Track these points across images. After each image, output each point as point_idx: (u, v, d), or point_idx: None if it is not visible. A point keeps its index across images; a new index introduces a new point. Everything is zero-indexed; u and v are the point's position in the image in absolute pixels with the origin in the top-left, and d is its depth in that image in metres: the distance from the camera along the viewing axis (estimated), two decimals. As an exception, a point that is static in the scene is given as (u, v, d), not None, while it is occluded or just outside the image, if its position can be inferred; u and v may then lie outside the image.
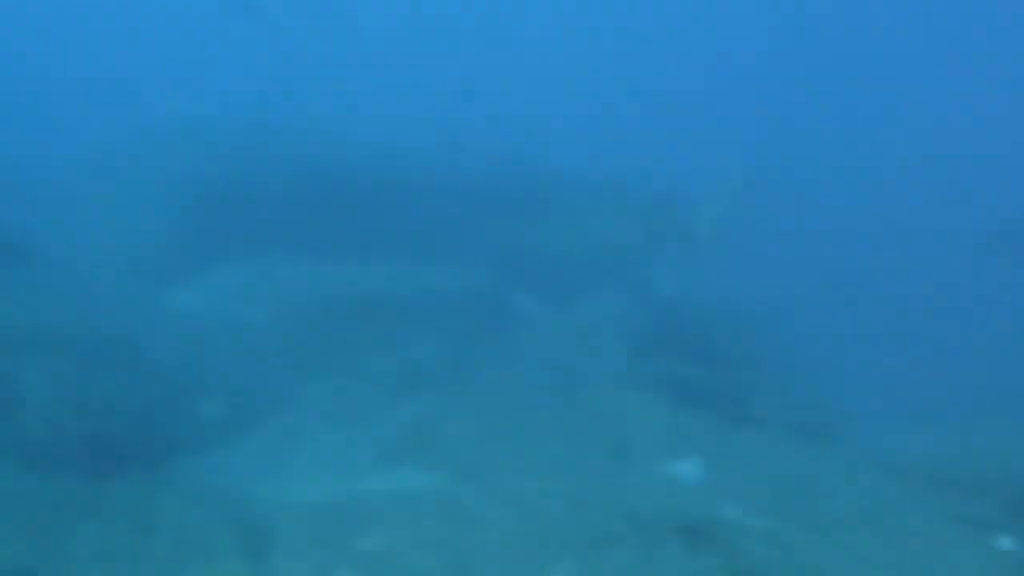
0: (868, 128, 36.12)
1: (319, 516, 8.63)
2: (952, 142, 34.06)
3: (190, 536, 7.97)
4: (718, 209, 20.47)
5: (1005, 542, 9.30)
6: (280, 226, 17.43)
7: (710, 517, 8.36)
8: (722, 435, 11.31)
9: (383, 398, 14.06)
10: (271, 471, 10.58)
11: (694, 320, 16.47)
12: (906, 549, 8.54)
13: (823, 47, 41.74)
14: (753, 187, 23.62)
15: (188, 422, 12.67)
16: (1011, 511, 10.21)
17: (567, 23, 43.51)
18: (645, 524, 8.11)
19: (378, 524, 8.35)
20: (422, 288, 15.72)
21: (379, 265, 16.44)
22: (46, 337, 11.85)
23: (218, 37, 35.88)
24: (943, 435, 15.53)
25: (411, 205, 18.00)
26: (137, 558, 7.61)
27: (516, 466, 10.12)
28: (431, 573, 7.46)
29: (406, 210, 17.84)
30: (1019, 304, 22.58)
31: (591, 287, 18.05)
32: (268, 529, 8.16)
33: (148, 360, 12.81)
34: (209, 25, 37.21)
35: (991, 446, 14.53)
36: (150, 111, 21.97)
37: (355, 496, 9.48)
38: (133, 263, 16.27)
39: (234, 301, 15.58)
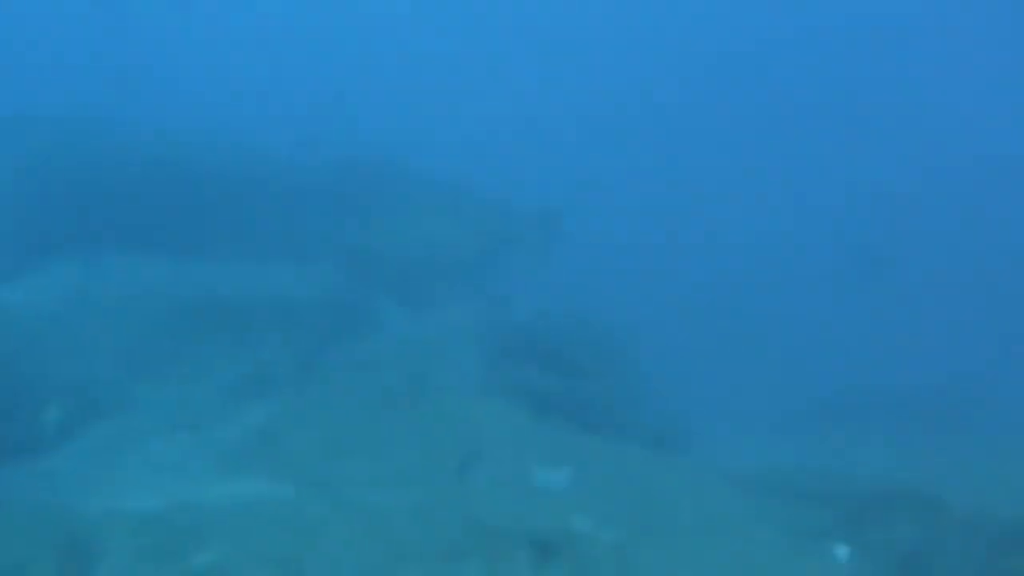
0: (727, 143, 37.19)
1: (150, 529, 8.12)
2: (820, 166, 35.41)
3: (4, 555, 7.36)
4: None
5: (842, 551, 9.57)
6: (122, 224, 16.59)
7: (560, 529, 8.28)
8: (574, 446, 11.28)
9: (227, 403, 13.46)
10: (101, 480, 9.96)
11: (548, 330, 16.45)
12: (749, 560, 8.66)
13: (702, 57, 42.68)
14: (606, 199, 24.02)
15: (13, 429, 11.86)
16: (849, 520, 10.54)
17: (438, 25, 43.21)
18: (494, 537, 7.96)
19: (214, 537, 7.91)
20: (271, 290, 15.19)
21: (226, 265, 15.84)
22: None
23: (66, 29, 34.10)
24: (787, 446, 16.03)
25: (261, 205, 17.43)
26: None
27: (363, 476, 9.82)
28: (268, 589, 7.09)
29: (256, 210, 17.26)
30: (862, 321, 23.58)
31: (445, 293, 17.86)
32: (93, 545, 7.62)
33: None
34: (59, 16, 35.40)
35: (832, 457, 15.09)
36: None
37: (191, 506, 8.98)
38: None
39: (68, 301, 14.69)
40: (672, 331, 21.29)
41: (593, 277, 22.67)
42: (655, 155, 34.47)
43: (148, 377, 13.63)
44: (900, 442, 16.02)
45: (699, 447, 15.00)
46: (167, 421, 12.77)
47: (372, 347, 14.95)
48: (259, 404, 13.24)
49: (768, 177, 34.03)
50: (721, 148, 36.79)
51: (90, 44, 32.73)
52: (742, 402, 19.20)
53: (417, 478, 9.82)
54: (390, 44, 40.70)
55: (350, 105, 28.51)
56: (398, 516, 8.60)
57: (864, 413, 17.96)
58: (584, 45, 42.65)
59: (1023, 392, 18.35)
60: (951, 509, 10.75)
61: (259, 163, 18.62)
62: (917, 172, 33.06)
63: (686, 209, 31.92)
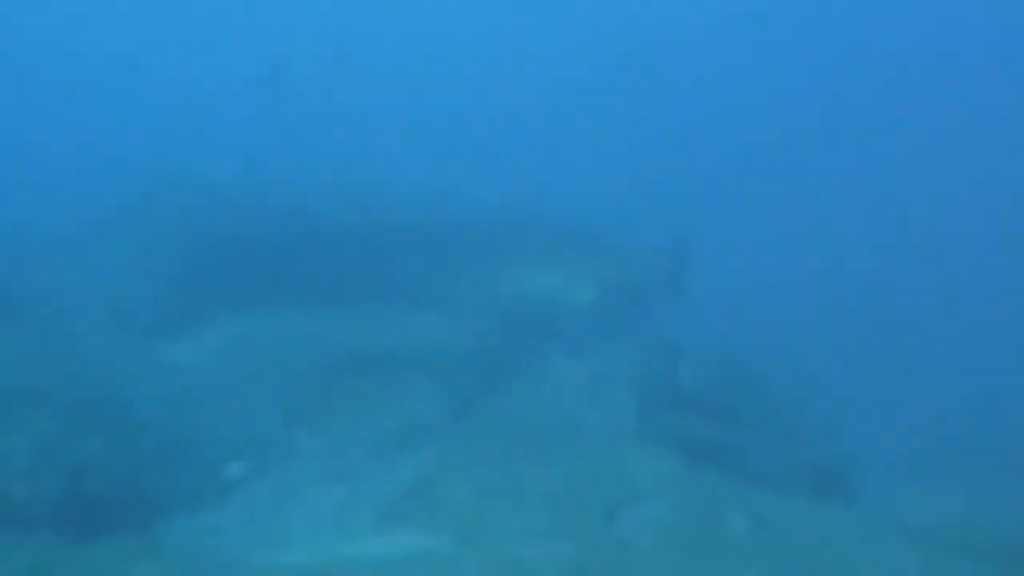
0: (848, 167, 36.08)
1: (310, 584, 8.12)
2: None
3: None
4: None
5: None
6: (272, 279, 17.07)
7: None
8: (733, 495, 10.83)
9: (380, 454, 13.55)
10: (261, 534, 10.09)
11: (702, 373, 15.98)
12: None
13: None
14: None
15: (176, 482, 12.19)
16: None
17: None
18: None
19: (373, 593, 7.83)
20: (418, 340, 15.30)
21: (374, 316, 16.06)
22: (31, 396, 11.41)
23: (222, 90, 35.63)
24: (958, 494, 15.06)
25: (407, 256, 17.65)
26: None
27: (518, 529, 9.64)
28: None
29: (402, 261, 17.50)
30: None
31: (597, 338, 17.63)
32: (253, 600, 7.65)
33: (136, 417, 12.34)
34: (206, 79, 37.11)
35: (1008, 507, 14.08)
36: (143, 169, 21.72)
37: (349, 560, 8.99)
38: (124, 318, 15.88)
39: (226, 355, 15.16)
40: (827, 370, 20.50)
41: (738, 315, 22.11)
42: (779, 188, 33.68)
43: (305, 430, 13.84)
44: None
45: (865, 496, 14.25)
46: (324, 473, 12.93)
47: (523, 395, 14.84)
48: (412, 455, 13.26)
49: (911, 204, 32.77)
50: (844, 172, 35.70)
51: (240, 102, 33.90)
52: (902, 444, 18.29)
53: (573, 531, 9.56)
54: (528, 93, 40.98)
55: (490, 154, 28.77)
56: (554, 573, 8.36)
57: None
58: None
59: None
60: None
61: (402, 214, 18.91)
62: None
63: (825, 239, 30.96)
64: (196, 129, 29.13)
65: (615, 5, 45.39)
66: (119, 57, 40.85)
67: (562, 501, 10.42)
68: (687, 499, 10.24)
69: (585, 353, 16.91)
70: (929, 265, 29.08)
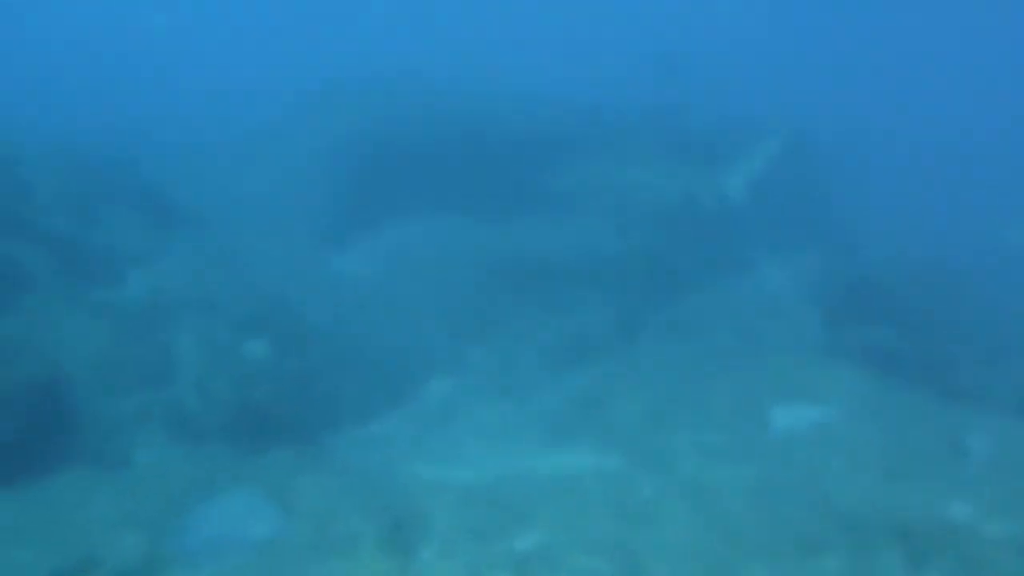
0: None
1: (476, 503, 7.77)
2: None
3: (333, 524, 7.26)
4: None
5: None
6: (436, 188, 16.69)
7: (937, 519, 7.01)
8: (931, 415, 9.83)
9: (548, 367, 13.13)
10: (426, 448, 9.84)
11: (894, 280, 14.67)
12: None
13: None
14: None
15: (343, 392, 12.12)
16: None
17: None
18: (854, 526, 6.86)
19: (540, 515, 7.41)
20: (588, 249, 14.62)
21: (542, 225, 15.42)
22: (203, 302, 11.45)
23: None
24: None
25: (572, 161, 16.85)
26: (274, 548, 6.95)
27: (695, 449, 9.00)
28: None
29: (567, 166, 16.71)
30: None
31: (776, 245, 16.55)
32: (418, 519, 7.35)
33: (305, 327, 12.28)
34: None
35: None
36: (302, 76, 21.58)
37: (517, 479, 8.59)
38: (293, 226, 15.85)
39: (394, 264, 14.96)
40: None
41: (931, 218, 20.41)
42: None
43: (471, 341, 13.55)
44: None
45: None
46: (492, 386, 12.63)
47: (698, 307, 14.04)
48: (581, 369, 12.78)
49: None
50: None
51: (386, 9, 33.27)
52: None
53: (756, 453, 8.85)
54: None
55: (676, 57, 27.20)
56: (736, 498, 7.71)
57: None
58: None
59: None
60: None
61: (573, 119, 18.10)
62: None
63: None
64: (355, 34, 28.78)
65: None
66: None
67: (743, 422, 9.70)
68: (881, 415, 9.31)
69: (763, 261, 15.92)
70: None
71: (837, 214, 19.20)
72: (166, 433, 9.38)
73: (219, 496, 7.75)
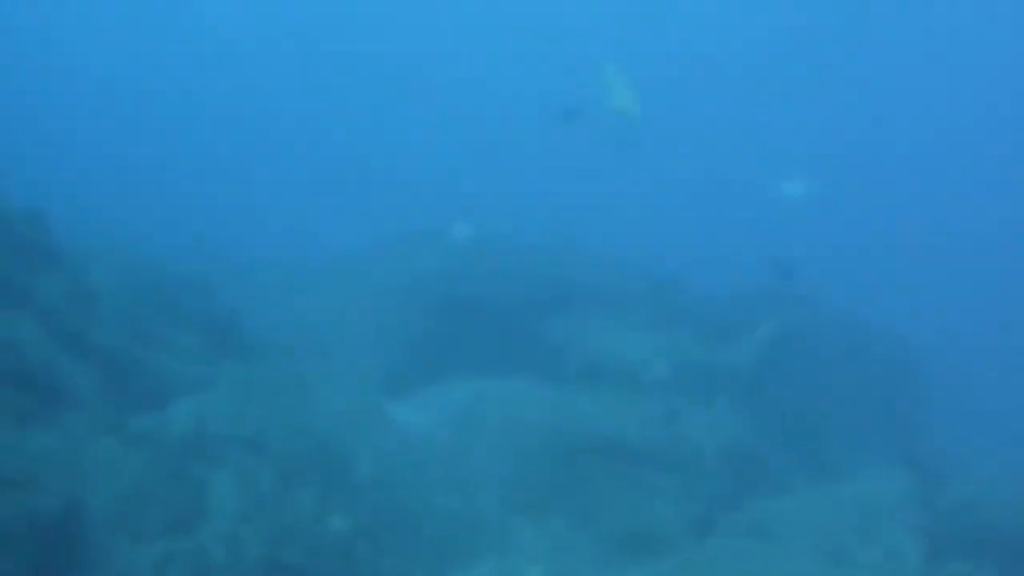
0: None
1: None
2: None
3: None
4: None
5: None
6: (514, 345, 15.97)
7: None
8: None
9: (609, 557, 11.98)
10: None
11: (991, 514, 13.30)
12: None
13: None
14: None
15: (383, 563, 11.08)
16: None
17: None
18: None
19: None
20: (670, 433, 13.57)
21: (621, 398, 14.43)
22: (249, 440, 10.64)
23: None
24: None
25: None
26: None
27: None
28: None
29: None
30: None
31: (861, 457, 15.39)
32: None
33: (354, 479, 11.37)
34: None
35: None
36: (397, 219, 21.40)
37: None
38: (356, 367, 15.15)
39: (456, 422, 14.04)
40: None
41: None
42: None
43: (526, 518, 12.47)
44: None
45: None
46: (540, 573, 11.50)
47: (778, 511, 12.82)
48: (645, 567, 11.61)
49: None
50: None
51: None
52: None
53: None
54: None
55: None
56: None
57: None
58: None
59: None
60: None
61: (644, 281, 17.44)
62: None
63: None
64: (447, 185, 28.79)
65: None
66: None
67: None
68: None
69: (849, 472, 14.68)
70: None
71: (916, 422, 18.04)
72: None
73: None
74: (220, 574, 8.69)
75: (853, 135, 35.96)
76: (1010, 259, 31.95)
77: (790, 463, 14.79)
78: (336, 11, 47.21)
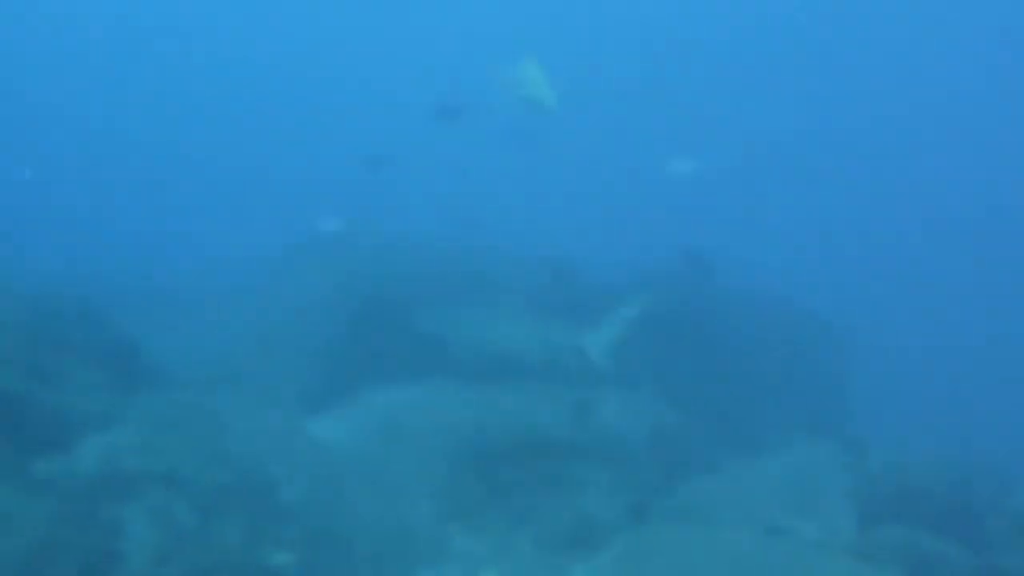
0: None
1: None
2: None
3: None
4: None
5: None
6: (429, 349, 15.62)
7: None
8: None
9: (548, 557, 11.75)
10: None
11: (919, 477, 13.49)
12: None
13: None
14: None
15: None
16: None
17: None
18: None
19: None
20: (593, 425, 13.42)
21: (540, 394, 14.23)
22: (163, 475, 10.07)
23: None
24: None
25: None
26: None
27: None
28: None
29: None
30: None
31: (784, 432, 15.48)
32: None
33: (279, 504, 10.90)
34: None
35: None
36: (294, 227, 20.80)
37: None
38: (268, 387, 14.62)
39: (378, 434, 13.64)
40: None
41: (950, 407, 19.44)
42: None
43: (461, 525, 12.17)
44: None
45: None
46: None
47: (709, 491, 12.79)
48: (583, 562, 11.42)
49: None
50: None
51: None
52: None
53: None
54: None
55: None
56: None
57: None
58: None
59: None
60: None
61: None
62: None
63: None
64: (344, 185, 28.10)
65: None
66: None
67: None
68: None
69: (774, 448, 14.74)
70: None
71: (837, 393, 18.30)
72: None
73: None
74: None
75: (758, 114, 36.48)
76: (922, 227, 32.84)
77: (715, 442, 14.79)
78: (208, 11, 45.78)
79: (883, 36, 40.76)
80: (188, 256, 21.83)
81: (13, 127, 33.47)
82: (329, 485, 12.08)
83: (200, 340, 16.06)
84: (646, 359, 16.14)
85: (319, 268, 18.00)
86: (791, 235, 30.29)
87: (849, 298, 23.51)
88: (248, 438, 12.02)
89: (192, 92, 39.86)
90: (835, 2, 40.25)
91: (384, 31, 45.45)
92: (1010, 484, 13.75)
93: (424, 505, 12.62)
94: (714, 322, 17.22)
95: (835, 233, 31.77)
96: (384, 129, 32.24)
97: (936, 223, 32.94)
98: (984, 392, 21.06)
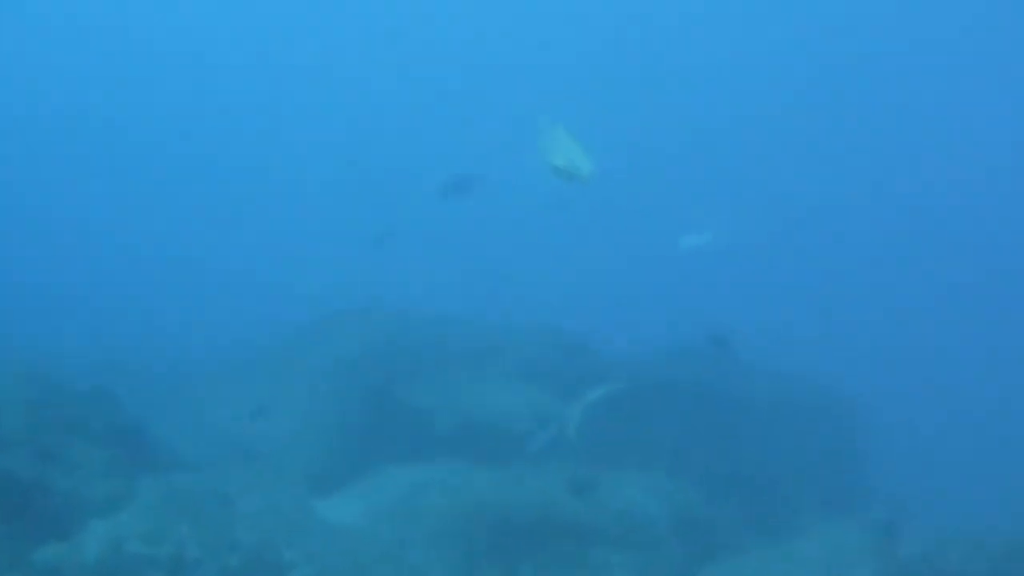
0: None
1: None
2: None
3: None
4: None
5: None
6: (449, 426, 15.27)
7: None
8: None
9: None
10: None
11: (952, 561, 12.94)
12: None
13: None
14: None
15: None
16: None
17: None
18: None
19: None
20: (618, 508, 12.96)
21: (566, 476, 13.79)
22: (173, 567, 9.68)
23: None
24: None
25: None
26: None
27: None
28: None
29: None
30: None
31: (811, 516, 15.00)
32: None
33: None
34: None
35: None
36: (301, 305, 20.57)
37: None
38: (280, 467, 14.21)
39: (396, 516, 13.21)
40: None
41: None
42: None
43: (480, 613, 11.70)
44: None
45: None
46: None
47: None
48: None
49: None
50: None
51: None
52: None
53: None
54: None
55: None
56: None
57: None
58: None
59: None
60: None
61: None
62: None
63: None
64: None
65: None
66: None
67: None
68: None
69: (801, 533, 14.23)
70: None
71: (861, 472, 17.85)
72: None
73: None
74: None
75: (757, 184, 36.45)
76: (935, 300, 32.50)
77: (738, 523, 14.32)
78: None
79: (919, 105, 40.86)
80: (195, 335, 21.56)
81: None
82: (343, 570, 11.63)
83: (207, 418, 15.72)
84: (663, 436, 15.79)
85: (330, 344, 17.70)
86: (812, 309, 30.05)
87: (866, 371, 23.09)
88: (258, 520, 11.61)
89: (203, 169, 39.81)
90: (869, 72, 40.60)
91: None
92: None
93: (441, 591, 12.16)
94: (733, 399, 16.86)
95: (854, 306, 31.52)
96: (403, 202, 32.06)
97: (959, 293, 32.62)
98: (1015, 467, 20.54)
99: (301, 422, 16.06)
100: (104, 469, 11.30)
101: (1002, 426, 24.44)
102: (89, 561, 9.00)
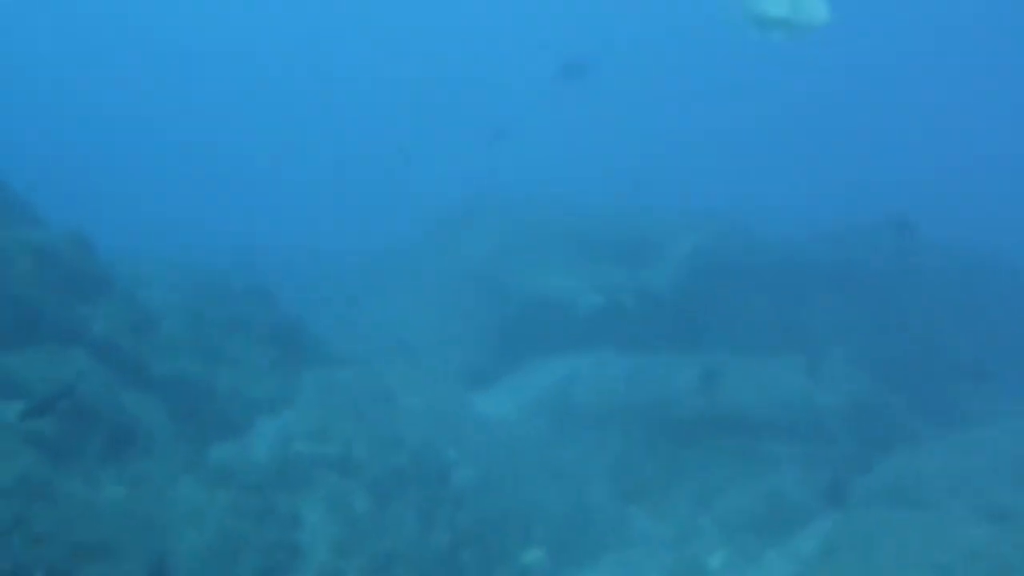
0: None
1: None
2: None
3: None
4: None
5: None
6: (588, 315, 14.85)
7: None
8: None
9: (737, 541, 10.92)
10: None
11: None
12: None
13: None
14: None
15: (498, 567, 10.14)
16: None
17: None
18: None
19: None
20: (783, 396, 12.42)
21: (724, 364, 13.26)
22: (336, 460, 9.69)
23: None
24: None
25: (762, 293, 14.79)
26: None
27: None
28: None
29: (757, 299, 14.66)
30: None
31: (989, 395, 14.11)
32: None
33: (456, 488, 10.41)
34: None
35: None
36: (440, 198, 20.30)
37: None
38: (431, 361, 14.20)
39: (549, 408, 13.06)
40: None
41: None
42: None
43: (643, 508, 11.48)
44: None
45: None
46: (667, 566, 10.49)
47: (915, 469, 11.60)
48: (778, 548, 10.54)
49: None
50: None
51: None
52: None
53: None
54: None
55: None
56: None
57: None
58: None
59: None
60: None
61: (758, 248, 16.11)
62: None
63: None
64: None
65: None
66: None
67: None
68: None
69: (976, 421, 13.37)
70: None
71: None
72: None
73: None
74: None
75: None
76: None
77: (913, 412, 13.57)
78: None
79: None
80: (344, 235, 21.69)
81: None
82: (502, 465, 11.54)
83: (359, 318, 15.78)
84: (829, 320, 15.05)
85: (461, 244, 17.47)
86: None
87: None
88: (418, 418, 11.57)
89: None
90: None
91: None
92: None
93: (601, 486, 11.99)
94: (910, 278, 15.88)
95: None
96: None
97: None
98: None
99: (448, 319, 15.98)
100: (267, 367, 11.40)
101: None
102: (260, 460, 9.09)
